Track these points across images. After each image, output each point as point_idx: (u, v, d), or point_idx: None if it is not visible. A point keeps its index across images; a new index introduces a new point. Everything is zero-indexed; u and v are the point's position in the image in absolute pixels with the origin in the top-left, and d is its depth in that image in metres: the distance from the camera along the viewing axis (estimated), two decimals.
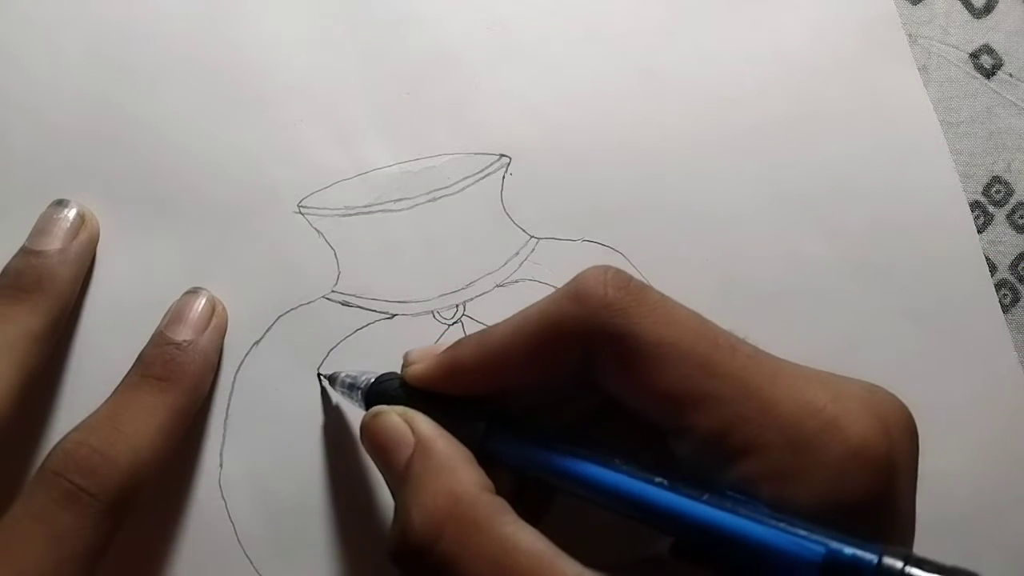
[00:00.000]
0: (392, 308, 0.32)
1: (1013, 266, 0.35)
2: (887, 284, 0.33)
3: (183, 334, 0.29)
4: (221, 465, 0.31)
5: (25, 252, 0.29)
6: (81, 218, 0.31)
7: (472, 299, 0.32)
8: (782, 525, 0.21)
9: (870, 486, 0.21)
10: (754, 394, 0.22)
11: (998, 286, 0.34)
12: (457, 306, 0.32)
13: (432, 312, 0.32)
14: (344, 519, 0.31)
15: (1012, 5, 0.35)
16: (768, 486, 0.21)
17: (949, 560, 0.20)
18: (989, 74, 0.35)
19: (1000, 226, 0.35)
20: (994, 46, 0.35)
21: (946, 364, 0.33)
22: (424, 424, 0.25)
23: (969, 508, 0.33)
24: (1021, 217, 0.35)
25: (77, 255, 0.30)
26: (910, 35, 0.35)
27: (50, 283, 0.29)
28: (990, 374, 0.33)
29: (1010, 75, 0.35)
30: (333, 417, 0.31)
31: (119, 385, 0.29)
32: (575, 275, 0.24)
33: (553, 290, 0.25)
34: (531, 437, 0.25)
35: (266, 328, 0.31)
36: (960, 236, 0.34)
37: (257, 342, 0.31)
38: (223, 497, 0.30)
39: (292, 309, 0.31)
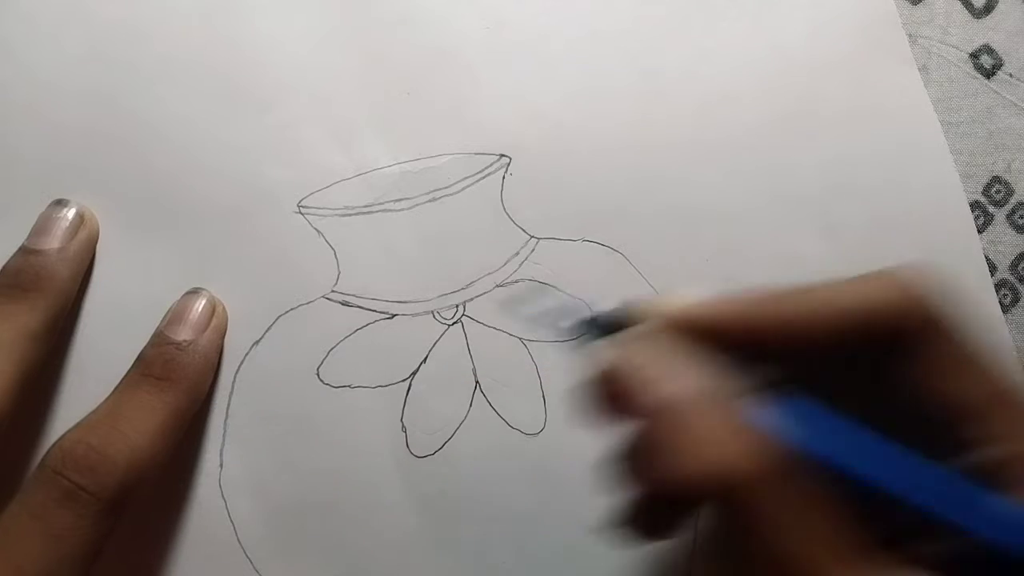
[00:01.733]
0: (392, 308, 0.32)
1: (1013, 266, 0.35)
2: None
3: (183, 334, 0.30)
4: (221, 465, 0.31)
5: (24, 251, 0.30)
6: (80, 217, 0.31)
7: (472, 299, 0.32)
8: None
9: None
10: None
11: (998, 286, 0.34)
12: (457, 306, 0.32)
13: (432, 312, 0.32)
14: (344, 519, 0.31)
15: (1012, 5, 0.35)
16: None
17: None
18: (989, 74, 0.35)
19: (1000, 226, 0.35)
20: (994, 46, 0.35)
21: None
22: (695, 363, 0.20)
23: None
24: (1021, 217, 0.35)
25: (76, 254, 0.30)
26: (910, 35, 0.35)
27: (48, 282, 0.29)
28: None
29: (1010, 75, 0.35)
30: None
31: (119, 384, 0.29)
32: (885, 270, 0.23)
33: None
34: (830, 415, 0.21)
35: (266, 328, 0.31)
36: (960, 236, 0.34)
37: (257, 342, 0.31)
38: (223, 497, 0.31)
39: (292, 309, 0.31)
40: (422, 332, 0.32)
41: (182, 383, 0.29)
